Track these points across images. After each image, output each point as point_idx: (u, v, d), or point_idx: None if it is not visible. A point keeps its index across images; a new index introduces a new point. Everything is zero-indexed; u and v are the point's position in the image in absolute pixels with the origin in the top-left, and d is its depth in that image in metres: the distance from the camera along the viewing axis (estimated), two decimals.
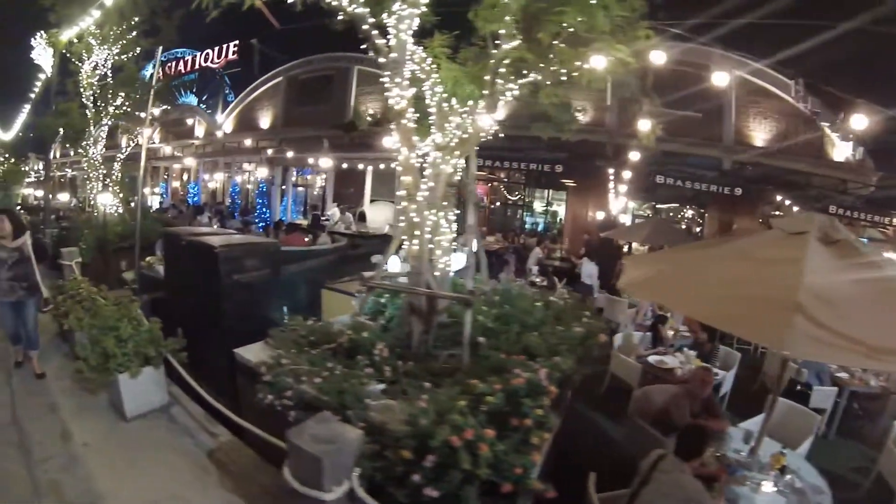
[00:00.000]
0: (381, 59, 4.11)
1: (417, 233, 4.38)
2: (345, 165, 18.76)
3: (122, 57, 10.99)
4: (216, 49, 25.01)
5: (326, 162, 17.85)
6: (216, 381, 4.97)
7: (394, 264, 6.22)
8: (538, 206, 20.63)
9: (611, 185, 15.44)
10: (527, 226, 19.81)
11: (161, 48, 6.81)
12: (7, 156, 32.80)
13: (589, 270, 10.98)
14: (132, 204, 11.17)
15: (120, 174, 11.71)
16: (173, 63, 25.95)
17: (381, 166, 16.90)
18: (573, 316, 4.90)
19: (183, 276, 6.14)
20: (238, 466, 4.11)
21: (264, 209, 19.27)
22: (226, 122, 24.91)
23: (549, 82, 4.46)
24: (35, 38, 12.90)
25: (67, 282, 7.09)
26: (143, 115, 11.16)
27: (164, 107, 12.71)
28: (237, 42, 24.54)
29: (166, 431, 4.60)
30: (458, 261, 5.78)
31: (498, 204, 20.90)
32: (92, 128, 11.03)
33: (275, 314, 5.29)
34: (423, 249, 4.39)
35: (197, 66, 26.21)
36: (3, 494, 3.78)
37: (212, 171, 24.13)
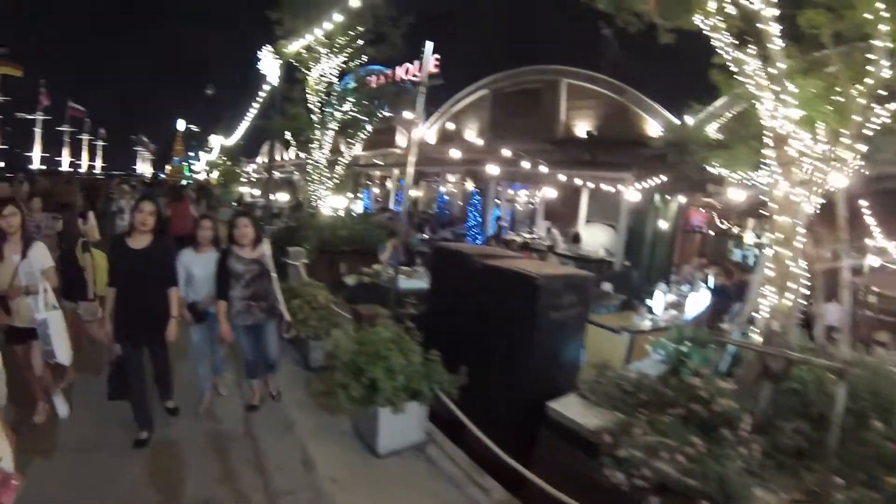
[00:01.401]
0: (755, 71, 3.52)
1: (791, 285, 3.76)
2: (561, 178, 17.57)
3: (349, 64, 11.28)
4: (416, 62, 25.58)
5: (537, 176, 16.94)
6: (493, 426, 4.10)
7: (658, 304, 5.36)
8: (749, 237, 17.93)
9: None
10: (736, 258, 17.26)
11: (431, 44, 6.35)
12: (224, 159, 37.12)
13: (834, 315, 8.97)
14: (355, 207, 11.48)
15: (342, 178, 11.83)
16: (374, 77, 26.97)
17: (602, 186, 15.17)
18: None
19: (469, 301, 4.97)
20: None
21: (476, 221, 18.39)
22: (428, 132, 25.16)
23: None
24: (261, 51, 13.77)
25: (298, 285, 6.71)
26: (364, 119, 12.03)
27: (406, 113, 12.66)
28: (438, 56, 24.86)
29: (426, 476, 4.07)
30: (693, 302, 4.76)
31: (710, 232, 18.57)
32: (318, 132, 11.26)
33: (574, 357, 4.55)
34: (795, 306, 3.83)
35: (397, 79, 26.97)
36: None
37: (415, 182, 24.47)
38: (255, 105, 21.33)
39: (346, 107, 11.38)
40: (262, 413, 4.97)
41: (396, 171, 24.80)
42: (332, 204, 11.11)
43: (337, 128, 11.51)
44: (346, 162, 12.10)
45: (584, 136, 18.42)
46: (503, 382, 4.35)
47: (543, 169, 16.27)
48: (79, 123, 78.60)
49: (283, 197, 22.97)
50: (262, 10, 11.30)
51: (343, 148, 12.74)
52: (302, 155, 11.80)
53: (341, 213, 11.63)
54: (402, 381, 3.98)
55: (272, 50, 13.51)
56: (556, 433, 3.72)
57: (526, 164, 16.74)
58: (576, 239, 16.25)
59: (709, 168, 5.28)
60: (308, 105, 11.44)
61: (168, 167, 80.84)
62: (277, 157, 47.91)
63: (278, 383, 5.37)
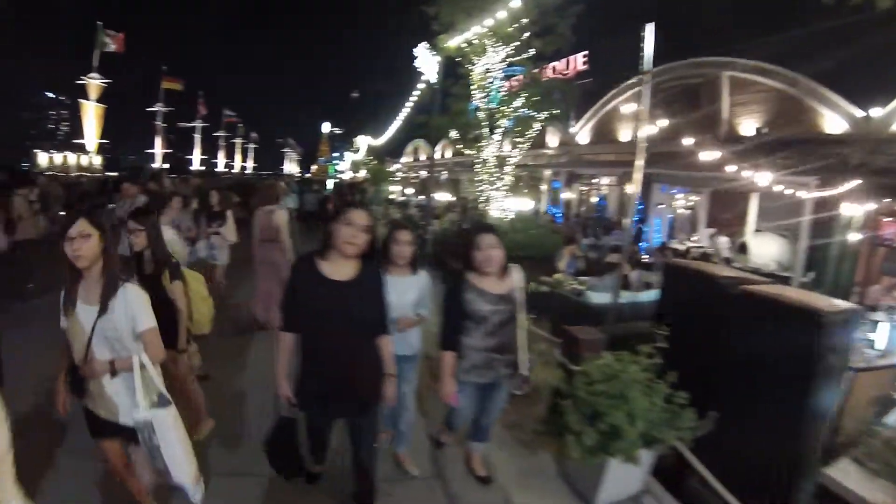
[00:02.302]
0: None
1: None
2: (726, 180, 16.22)
3: (517, 59, 10.87)
4: (564, 60, 24.93)
5: (699, 179, 15.87)
6: (729, 481, 3.49)
7: (881, 336, 4.62)
8: None
9: None
10: None
11: (651, 25, 5.95)
12: (371, 158, 38.88)
13: None
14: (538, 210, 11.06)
15: (514, 177, 11.50)
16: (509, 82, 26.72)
17: (775, 190, 13.69)
18: None
19: (713, 332, 4.04)
20: None
21: (640, 228, 17.36)
22: (580, 132, 24.54)
23: None
24: (417, 48, 13.70)
25: None
26: (538, 117, 11.58)
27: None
28: (587, 52, 24.11)
29: None
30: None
31: None
32: (486, 129, 11.00)
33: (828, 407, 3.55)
34: None
35: (546, 77, 26.49)
36: None
37: (567, 183, 23.92)
38: (408, 105, 21.76)
39: (518, 102, 10.97)
40: (453, 449, 4.29)
41: (548, 173, 24.29)
42: (502, 206, 10.84)
43: (506, 125, 11.14)
44: (515, 162, 11.72)
45: (752, 134, 16.97)
46: (755, 434, 3.65)
47: (707, 172, 15.23)
48: (232, 128, 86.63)
49: (443, 197, 22.78)
50: (411, 7, 11.26)
51: (506, 147, 12.24)
52: (468, 152, 11.58)
53: (511, 216, 11.19)
54: (642, 427, 3.34)
55: (429, 46, 13.46)
56: None
57: (680, 165, 15.86)
58: (742, 249, 14.83)
59: None
60: (473, 101, 11.21)
61: (314, 167, 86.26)
62: (422, 157, 49.29)
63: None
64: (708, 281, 4.16)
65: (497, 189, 11.09)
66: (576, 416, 3.44)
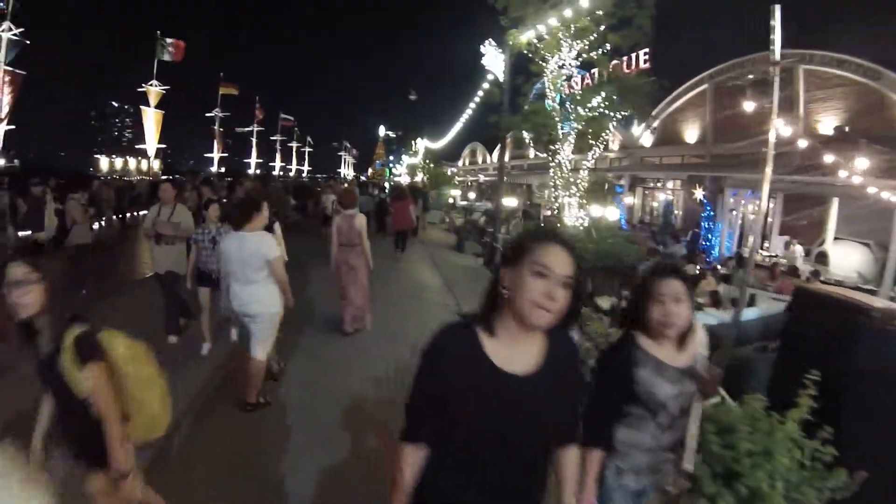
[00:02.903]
0: None
1: None
2: (803, 184, 15.12)
3: (593, 54, 10.00)
4: (624, 59, 24.20)
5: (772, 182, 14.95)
6: None
7: None
8: None
9: None
10: None
11: (777, 7, 5.40)
12: (428, 161, 38.85)
13: None
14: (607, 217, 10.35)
15: (589, 182, 10.54)
16: (579, 79, 25.98)
17: (859, 194, 12.61)
18: None
19: (864, 372, 3.37)
20: None
21: (708, 235, 16.45)
22: (643, 134, 23.89)
23: None
24: (484, 46, 13.36)
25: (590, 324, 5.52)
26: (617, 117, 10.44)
27: None
28: (647, 50, 23.36)
29: None
30: None
31: None
32: (561, 130, 10.23)
33: None
34: None
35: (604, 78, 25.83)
36: None
37: (630, 188, 23.37)
38: (470, 107, 21.35)
39: (596, 101, 10.04)
40: None
41: (610, 176, 23.83)
42: (577, 212, 10.10)
43: (581, 126, 10.29)
44: (591, 165, 10.89)
45: (831, 133, 15.97)
46: None
47: (785, 175, 14.30)
48: (289, 132, 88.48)
49: (511, 202, 22.40)
50: (475, 5, 10.64)
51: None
52: (534, 155, 11.10)
53: (584, 224, 10.27)
54: (782, 488, 2.68)
55: (496, 44, 13.06)
56: None
57: (751, 168, 14.89)
58: (821, 259, 13.78)
59: None
60: (547, 100, 10.41)
61: (370, 170, 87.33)
62: (480, 160, 49.03)
63: None
64: (855, 313, 3.49)
65: (571, 195, 10.31)
66: (708, 476, 2.71)
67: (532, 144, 12.70)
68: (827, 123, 16.29)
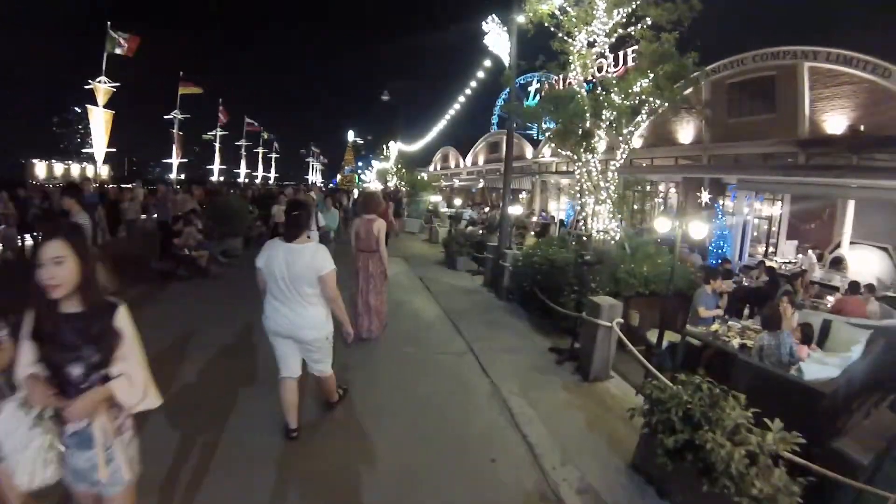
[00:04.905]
0: None
1: None
2: (813, 187, 14.14)
3: (630, 29, 8.37)
4: (611, 56, 23.00)
5: (780, 185, 13.93)
6: None
7: None
8: None
9: None
10: None
11: None
12: (399, 166, 37.15)
13: None
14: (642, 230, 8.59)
15: (615, 187, 8.58)
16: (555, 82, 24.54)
17: (874, 197, 11.96)
18: None
19: None
20: None
21: (721, 244, 15.00)
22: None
23: None
24: (487, 22, 12.05)
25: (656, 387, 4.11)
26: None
27: None
28: (635, 49, 22.25)
29: None
30: None
31: None
32: (592, 122, 8.33)
33: None
34: None
35: (589, 78, 24.57)
36: None
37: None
38: (454, 108, 19.86)
39: (640, 86, 8.02)
40: None
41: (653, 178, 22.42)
42: (609, 222, 8.25)
43: (613, 117, 8.24)
44: (619, 166, 8.73)
45: (839, 133, 14.99)
46: None
47: (792, 177, 13.23)
48: (255, 137, 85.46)
49: (516, 211, 20.65)
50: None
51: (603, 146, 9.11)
52: (553, 154, 9.38)
53: (616, 237, 8.36)
54: None
55: (498, 21, 11.80)
56: None
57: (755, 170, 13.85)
58: (837, 264, 12.80)
59: None
60: (574, 85, 8.72)
61: (339, 176, 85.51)
62: (452, 164, 47.42)
63: None
64: None
65: (601, 202, 8.36)
66: None
67: (553, 139, 10.71)
68: (833, 122, 15.50)
